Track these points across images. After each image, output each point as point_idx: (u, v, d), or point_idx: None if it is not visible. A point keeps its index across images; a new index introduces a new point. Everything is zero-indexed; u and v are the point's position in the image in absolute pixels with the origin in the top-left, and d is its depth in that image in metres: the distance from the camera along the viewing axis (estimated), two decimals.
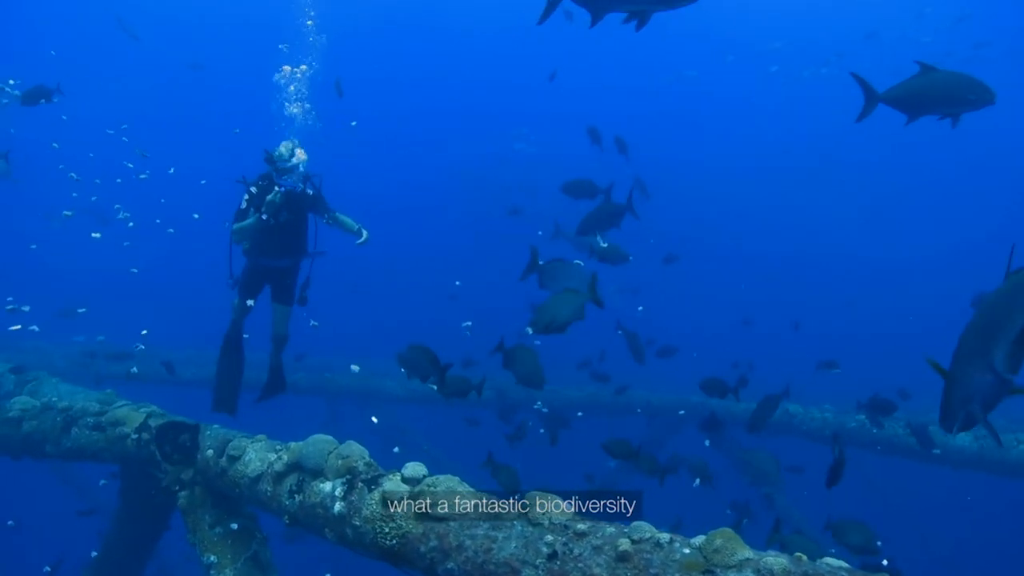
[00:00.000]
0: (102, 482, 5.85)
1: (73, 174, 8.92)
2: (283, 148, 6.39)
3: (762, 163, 27.46)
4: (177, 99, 27.72)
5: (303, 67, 8.37)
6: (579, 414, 10.77)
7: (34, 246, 13.28)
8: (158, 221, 13.96)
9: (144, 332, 8.94)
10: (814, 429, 9.09)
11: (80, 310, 10.03)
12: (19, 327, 7.35)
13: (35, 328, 7.93)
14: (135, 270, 11.92)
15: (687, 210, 26.55)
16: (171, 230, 12.91)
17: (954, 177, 27.78)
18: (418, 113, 30.17)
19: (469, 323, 8.28)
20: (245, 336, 7.00)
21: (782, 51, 24.49)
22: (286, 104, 8.09)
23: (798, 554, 2.85)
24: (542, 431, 8.38)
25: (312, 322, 6.90)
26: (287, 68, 8.35)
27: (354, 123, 11.31)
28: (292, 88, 8.21)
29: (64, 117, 13.76)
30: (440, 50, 29.43)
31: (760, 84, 27.29)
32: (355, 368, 4.96)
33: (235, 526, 5.04)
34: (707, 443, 9.26)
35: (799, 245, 27.90)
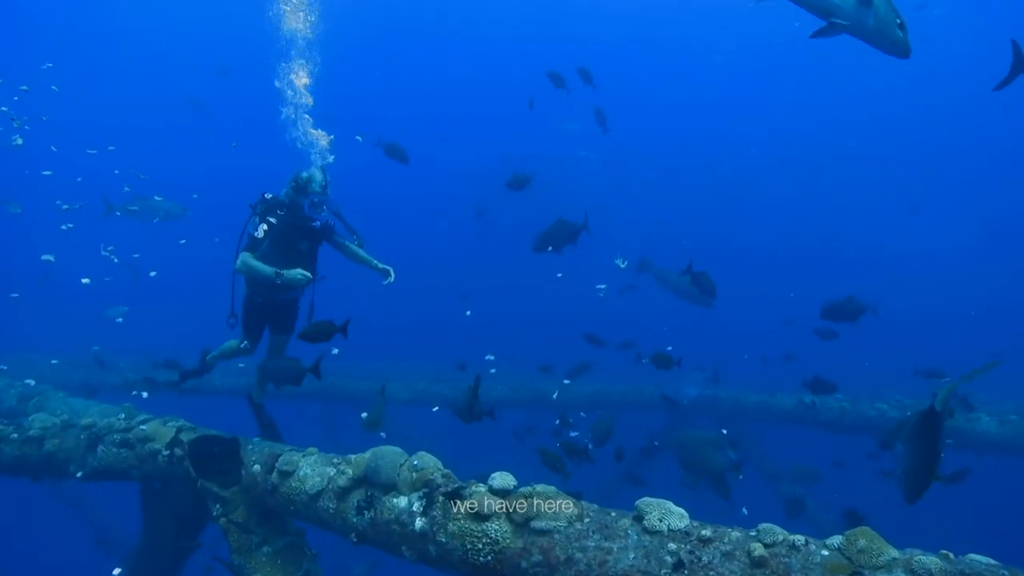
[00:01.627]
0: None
1: (66, 205, 8.45)
2: (316, 172, 5.46)
3: (817, 150, 25.99)
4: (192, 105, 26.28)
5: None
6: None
7: (15, 294, 12.64)
8: (136, 255, 13.49)
9: (144, 393, 8.16)
10: (832, 420, 9.19)
11: (119, 317, 9.53)
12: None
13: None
14: (120, 319, 11.29)
15: (716, 205, 26.19)
16: (153, 273, 12.32)
17: (974, 173, 26.77)
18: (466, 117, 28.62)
19: (492, 356, 8.14)
20: None
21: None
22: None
23: (944, 551, 2.77)
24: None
25: (334, 350, 6.35)
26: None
27: (359, 138, 10.55)
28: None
29: (53, 148, 13.03)
30: (487, 52, 27.92)
31: (797, 66, 25.63)
32: (365, 416, 4.76)
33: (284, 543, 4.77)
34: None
35: (841, 237, 27.12)
